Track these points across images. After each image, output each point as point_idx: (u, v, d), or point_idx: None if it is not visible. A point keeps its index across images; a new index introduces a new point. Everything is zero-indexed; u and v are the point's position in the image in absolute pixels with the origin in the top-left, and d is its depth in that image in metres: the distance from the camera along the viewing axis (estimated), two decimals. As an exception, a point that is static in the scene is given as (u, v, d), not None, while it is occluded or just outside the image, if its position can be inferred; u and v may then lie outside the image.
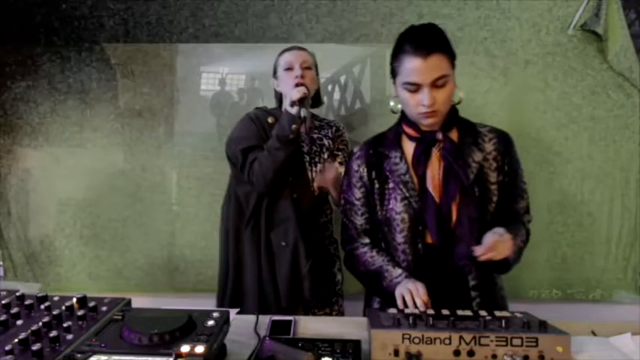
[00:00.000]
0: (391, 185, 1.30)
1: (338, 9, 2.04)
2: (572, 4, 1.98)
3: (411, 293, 1.13)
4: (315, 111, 1.83)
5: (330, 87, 2.13)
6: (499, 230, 1.17)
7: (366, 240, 1.37)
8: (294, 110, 1.53)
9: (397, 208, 1.28)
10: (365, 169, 1.35)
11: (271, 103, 1.84)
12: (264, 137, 1.63)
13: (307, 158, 1.68)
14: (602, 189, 2.06)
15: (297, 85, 1.59)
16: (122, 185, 2.13)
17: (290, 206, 1.61)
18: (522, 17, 2.01)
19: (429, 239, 1.27)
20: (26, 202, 2.16)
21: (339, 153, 1.76)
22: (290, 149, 1.55)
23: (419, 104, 1.20)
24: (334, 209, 1.78)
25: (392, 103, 1.34)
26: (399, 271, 1.25)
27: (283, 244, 1.60)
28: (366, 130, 2.06)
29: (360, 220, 1.37)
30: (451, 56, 1.22)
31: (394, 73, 1.27)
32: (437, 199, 1.25)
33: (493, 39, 2.02)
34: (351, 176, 1.38)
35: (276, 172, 1.55)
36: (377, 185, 1.33)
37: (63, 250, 2.15)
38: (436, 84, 1.18)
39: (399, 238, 1.29)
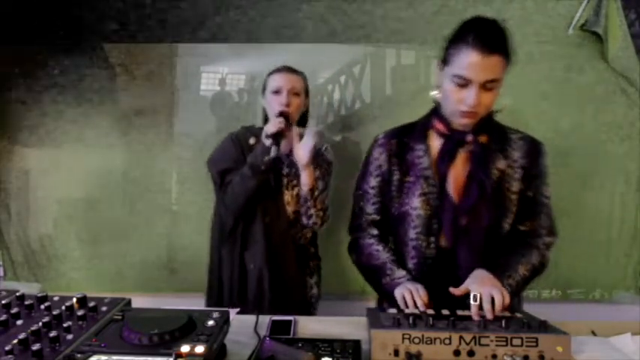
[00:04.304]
0: (411, 179, 1.25)
1: (339, 9, 2.04)
2: (572, 4, 1.98)
3: (411, 293, 1.13)
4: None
5: (330, 87, 2.13)
6: (482, 275, 1.11)
7: (375, 232, 1.33)
8: (268, 142, 1.50)
9: (414, 203, 1.23)
10: (385, 158, 1.30)
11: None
12: (242, 159, 1.59)
13: (285, 181, 1.63)
14: (601, 189, 2.06)
15: (279, 113, 1.55)
16: (122, 185, 2.13)
17: (261, 230, 1.59)
18: (522, 17, 2.01)
19: (442, 239, 1.22)
20: (26, 202, 2.16)
21: (317, 168, 1.62)
22: (262, 178, 1.52)
23: (462, 102, 1.14)
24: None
25: (434, 92, 1.25)
26: (402, 272, 1.23)
27: (252, 266, 1.60)
28: (366, 130, 2.06)
29: (370, 210, 1.33)
30: (508, 61, 1.14)
31: (445, 61, 1.17)
32: (456, 201, 1.21)
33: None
34: (369, 163, 1.34)
35: (248, 198, 1.55)
36: (396, 176, 1.28)
37: (63, 250, 2.15)
38: (486, 86, 1.12)
39: (412, 234, 1.25)
